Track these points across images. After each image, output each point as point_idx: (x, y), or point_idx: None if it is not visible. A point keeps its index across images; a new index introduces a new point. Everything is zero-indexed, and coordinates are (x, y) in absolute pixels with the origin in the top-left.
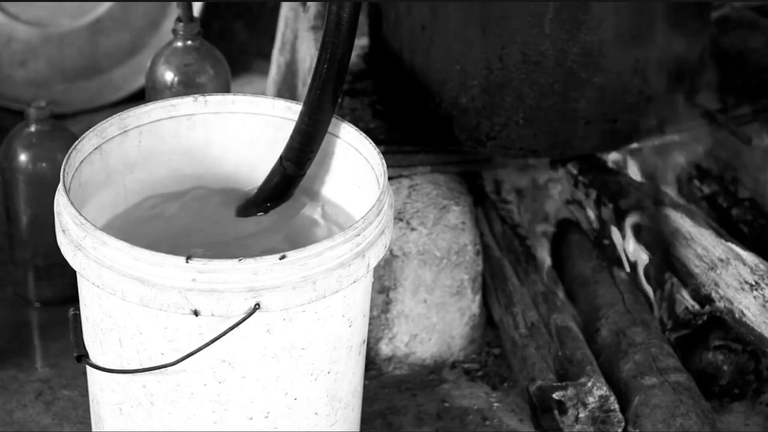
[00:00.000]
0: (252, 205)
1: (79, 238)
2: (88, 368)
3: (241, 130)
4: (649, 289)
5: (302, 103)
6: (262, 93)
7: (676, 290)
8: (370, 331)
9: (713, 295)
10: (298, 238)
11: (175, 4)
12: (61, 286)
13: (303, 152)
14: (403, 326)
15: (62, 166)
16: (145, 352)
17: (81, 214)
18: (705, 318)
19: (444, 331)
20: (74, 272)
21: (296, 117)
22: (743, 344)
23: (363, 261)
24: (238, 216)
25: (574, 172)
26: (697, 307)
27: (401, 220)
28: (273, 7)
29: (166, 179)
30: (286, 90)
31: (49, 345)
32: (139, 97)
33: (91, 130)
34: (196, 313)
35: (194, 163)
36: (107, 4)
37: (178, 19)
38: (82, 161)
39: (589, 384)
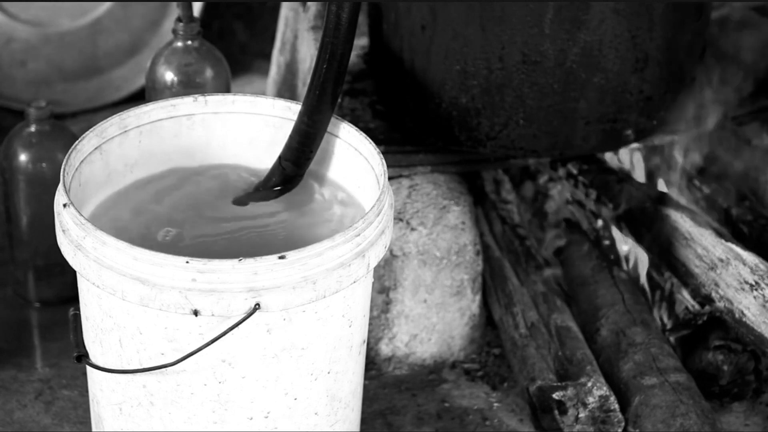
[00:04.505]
0: (251, 196)
1: (79, 238)
2: (88, 368)
3: (240, 130)
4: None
5: (302, 103)
6: (262, 93)
7: (676, 290)
8: (370, 331)
9: (713, 295)
10: (297, 206)
11: (175, 4)
12: (61, 286)
13: (302, 152)
14: (403, 326)
15: (62, 166)
16: (145, 352)
17: (81, 214)
18: (705, 318)
19: (444, 331)
20: (74, 272)
21: (296, 117)
22: (743, 344)
23: (363, 261)
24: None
25: (574, 172)
26: (697, 307)
27: (401, 220)
28: (273, 7)
29: None
30: (286, 90)
31: (49, 345)
32: (139, 97)
33: (91, 130)
34: (196, 313)
35: (194, 162)
36: (107, 4)
37: (178, 19)
38: (82, 161)
39: (589, 384)
